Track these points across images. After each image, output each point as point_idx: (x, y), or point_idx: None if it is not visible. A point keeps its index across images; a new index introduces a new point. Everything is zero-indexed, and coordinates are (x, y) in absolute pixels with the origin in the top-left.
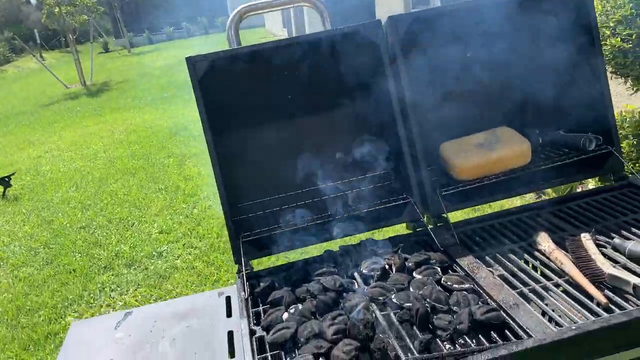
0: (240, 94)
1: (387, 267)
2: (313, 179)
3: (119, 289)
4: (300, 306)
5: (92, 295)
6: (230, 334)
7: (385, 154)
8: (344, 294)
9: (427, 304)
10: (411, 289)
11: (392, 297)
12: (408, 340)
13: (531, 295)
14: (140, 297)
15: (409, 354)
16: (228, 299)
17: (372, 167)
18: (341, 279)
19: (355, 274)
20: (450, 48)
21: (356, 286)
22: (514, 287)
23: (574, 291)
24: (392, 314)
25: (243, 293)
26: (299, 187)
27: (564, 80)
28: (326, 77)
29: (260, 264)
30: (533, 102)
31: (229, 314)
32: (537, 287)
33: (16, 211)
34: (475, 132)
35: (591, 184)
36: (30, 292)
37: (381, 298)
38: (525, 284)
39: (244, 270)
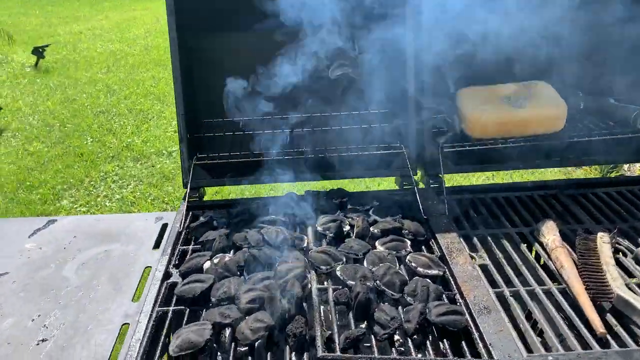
0: None
1: (347, 228)
2: (289, 103)
3: (120, 181)
4: (227, 256)
5: (92, 183)
6: (147, 272)
7: (384, 87)
8: (284, 252)
9: (374, 287)
10: (365, 263)
11: (337, 269)
12: (336, 330)
13: (512, 300)
14: (138, 193)
15: (325, 350)
16: (164, 227)
17: (365, 100)
18: (286, 233)
19: (309, 229)
20: None
21: (304, 243)
22: (493, 285)
23: (568, 307)
24: (330, 291)
25: (178, 225)
26: (271, 112)
27: (629, 37)
28: None
29: (219, 193)
30: (584, 58)
31: (158, 245)
32: (523, 291)
33: (44, 84)
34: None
35: None
36: (34, 169)
37: (324, 267)
38: (508, 283)
39: (187, 197)
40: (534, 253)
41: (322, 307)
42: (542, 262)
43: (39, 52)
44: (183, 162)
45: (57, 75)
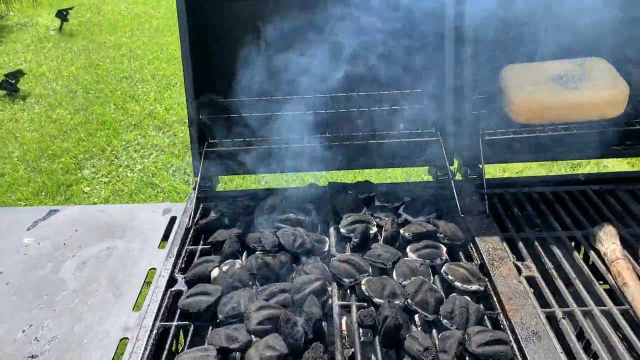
0: None
1: (373, 230)
2: (311, 83)
3: (142, 150)
4: (237, 263)
5: (114, 152)
6: (151, 275)
7: (418, 62)
8: (303, 258)
9: (404, 307)
10: (394, 275)
11: (362, 282)
12: (359, 359)
13: (565, 322)
14: (160, 164)
15: None
16: (172, 220)
17: (396, 80)
18: (305, 235)
19: (331, 230)
20: None
21: (325, 247)
22: (543, 303)
23: (632, 334)
24: (354, 309)
25: (186, 220)
26: (291, 92)
27: None
28: None
29: (233, 182)
30: None
31: (166, 237)
32: (578, 311)
33: (68, 48)
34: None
35: None
36: (57, 136)
37: (347, 280)
38: (561, 302)
39: (197, 187)
40: (590, 262)
41: (343, 327)
42: (599, 277)
43: (62, 15)
44: (193, 148)
45: (81, 38)
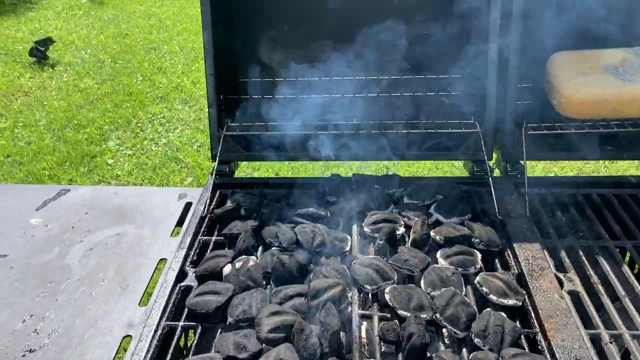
0: None
1: (400, 230)
2: (339, 63)
3: (167, 124)
4: (252, 260)
5: (139, 124)
6: (160, 265)
7: (459, 50)
8: (322, 259)
9: (433, 321)
10: (422, 284)
11: (386, 290)
12: None
13: (611, 347)
14: (185, 139)
15: None
16: (187, 206)
17: (431, 65)
18: (325, 233)
19: (354, 228)
20: None
21: (347, 247)
22: (587, 324)
23: None
24: (375, 320)
25: (202, 208)
26: (319, 74)
27: None
28: None
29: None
30: None
31: (180, 224)
32: (627, 335)
33: (98, 17)
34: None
35: None
36: (83, 106)
37: (369, 287)
38: (607, 323)
39: (214, 173)
40: None
41: (363, 338)
42: None
43: None
44: (212, 130)
45: (112, 7)
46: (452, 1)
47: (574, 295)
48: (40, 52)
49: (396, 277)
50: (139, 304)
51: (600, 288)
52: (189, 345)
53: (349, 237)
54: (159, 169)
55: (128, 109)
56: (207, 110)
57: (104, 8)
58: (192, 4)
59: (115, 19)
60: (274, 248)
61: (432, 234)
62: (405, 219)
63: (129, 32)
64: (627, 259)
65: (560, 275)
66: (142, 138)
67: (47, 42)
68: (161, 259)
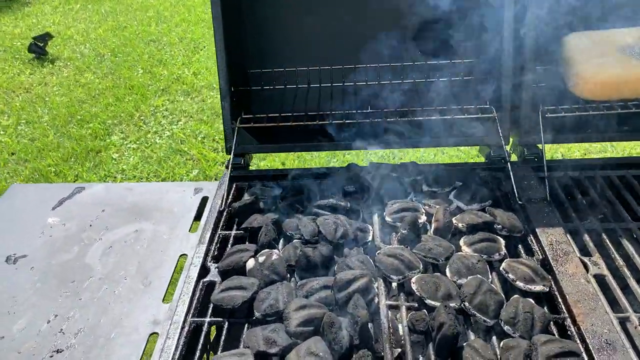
0: None
1: (422, 219)
2: (353, 52)
3: (170, 116)
4: (274, 253)
5: (142, 118)
6: (181, 262)
7: (473, 34)
8: (345, 250)
9: (461, 310)
10: (447, 272)
11: (413, 280)
12: None
13: None
14: (188, 131)
15: None
16: (204, 200)
17: (447, 49)
18: (347, 224)
19: (375, 217)
20: None
21: (369, 237)
22: (615, 306)
23: None
24: (403, 310)
25: (219, 202)
26: (331, 61)
27: None
28: None
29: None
30: None
31: (198, 218)
32: None
33: (95, 10)
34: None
35: None
36: (86, 101)
37: (395, 277)
38: (636, 305)
39: (230, 166)
40: None
41: (391, 331)
42: None
43: None
44: (225, 123)
45: (109, 0)
46: None
47: (600, 280)
48: (39, 47)
49: (421, 267)
50: (163, 300)
51: (626, 271)
52: (211, 341)
53: (370, 227)
54: (164, 161)
55: (130, 102)
56: (209, 101)
57: (101, 1)
58: None
59: (112, 12)
60: (296, 240)
61: (454, 221)
62: (426, 207)
63: (127, 24)
64: None
65: (585, 259)
66: (145, 131)
67: (46, 37)
68: (181, 255)
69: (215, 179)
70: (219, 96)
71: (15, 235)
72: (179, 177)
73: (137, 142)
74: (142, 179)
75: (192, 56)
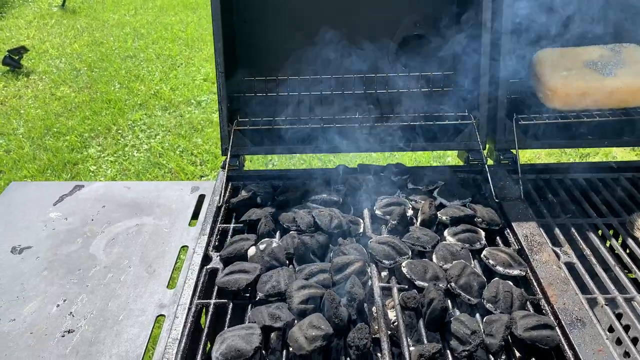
0: None
1: (409, 212)
2: (341, 61)
3: (148, 130)
4: (274, 242)
5: (120, 131)
6: (183, 252)
7: (451, 48)
8: (339, 239)
9: (447, 290)
10: (434, 258)
11: (403, 264)
12: (405, 342)
13: (607, 308)
14: (167, 144)
15: None
16: (201, 198)
17: (429, 61)
18: (341, 216)
19: (365, 211)
20: None
21: (360, 229)
22: (583, 289)
23: None
24: (395, 291)
25: (217, 198)
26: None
27: None
28: None
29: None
30: None
31: (195, 216)
32: (619, 298)
33: (70, 26)
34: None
35: None
36: (62, 114)
37: (386, 262)
38: (601, 288)
39: (227, 166)
40: (628, 251)
41: (385, 310)
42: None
43: None
44: (222, 127)
45: (84, 16)
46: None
47: (569, 267)
48: (13, 60)
49: (410, 253)
50: (167, 286)
51: (593, 259)
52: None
53: (361, 220)
54: (143, 174)
55: (107, 116)
56: (187, 116)
57: (77, 17)
58: (166, 12)
59: (88, 28)
60: (292, 232)
61: (438, 214)
62: (413, 202)
63: (103, 40)
64: (612, 232)
65: (557, 249)
66: (123, 144)
67: (21, 50)
68: (183, 246)
69: None
70: (195, 112)
71: (18, 228)
72: None
73: (115, 155)
74: None
75: (169, 72)
